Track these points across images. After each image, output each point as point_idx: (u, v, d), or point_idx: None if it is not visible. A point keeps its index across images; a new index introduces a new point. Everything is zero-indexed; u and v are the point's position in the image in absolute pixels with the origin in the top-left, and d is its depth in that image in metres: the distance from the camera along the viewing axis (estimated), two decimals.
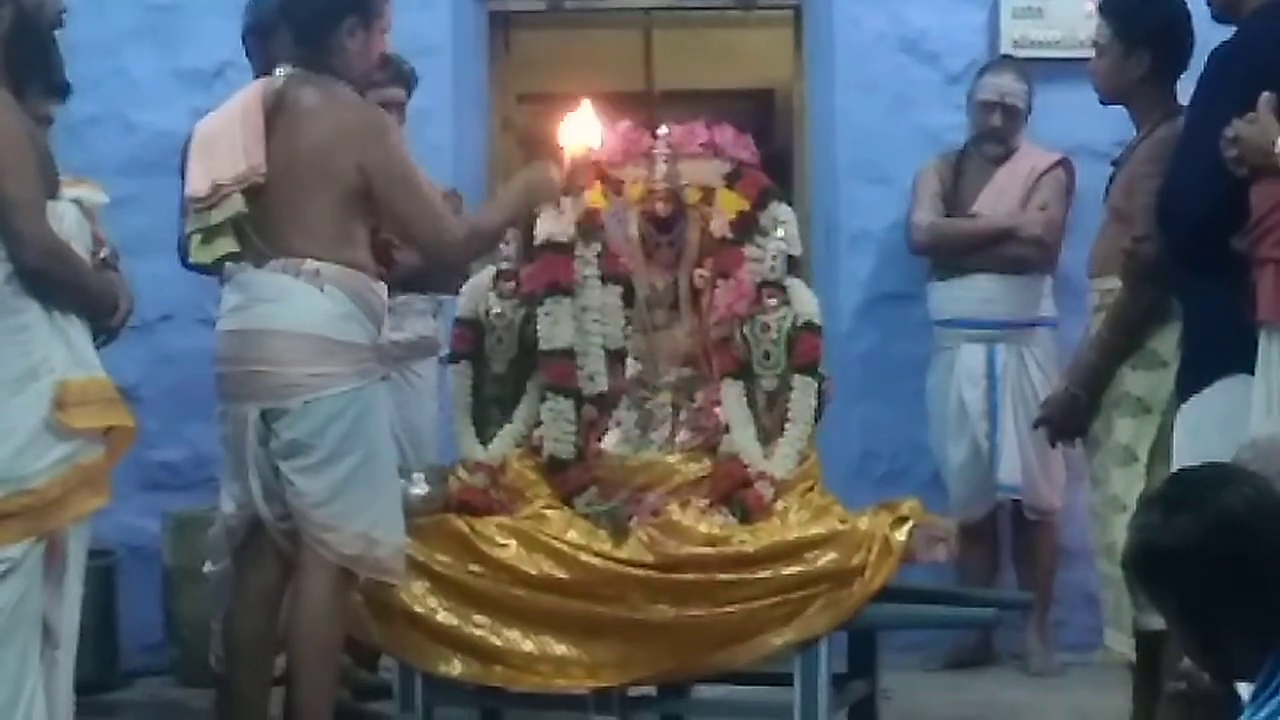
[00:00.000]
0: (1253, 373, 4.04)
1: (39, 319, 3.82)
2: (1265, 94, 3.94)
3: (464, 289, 5.28)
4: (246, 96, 4.59)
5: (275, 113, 4.52)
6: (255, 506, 4.54)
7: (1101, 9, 4.84)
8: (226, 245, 4.49)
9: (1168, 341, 4.56)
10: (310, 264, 4.45)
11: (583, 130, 4.89)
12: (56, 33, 4.34)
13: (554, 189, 4.85)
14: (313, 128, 4.50)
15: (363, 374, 4.50)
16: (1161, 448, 4.50)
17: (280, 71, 4.59)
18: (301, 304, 4.45)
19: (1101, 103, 4.94)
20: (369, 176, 4.50)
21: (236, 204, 4.45)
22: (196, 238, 4.53)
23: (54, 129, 4.50)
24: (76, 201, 4.05)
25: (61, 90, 4.40)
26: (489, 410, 5.22)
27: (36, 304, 3.82)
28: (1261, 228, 3.94)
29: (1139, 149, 4.72)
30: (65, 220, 3.95)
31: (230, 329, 4.55)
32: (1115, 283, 4.65)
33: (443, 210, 4.65)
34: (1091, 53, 4.90)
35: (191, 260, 4.65)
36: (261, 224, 4.49)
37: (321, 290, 4.44)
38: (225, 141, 4.51)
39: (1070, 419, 4.82)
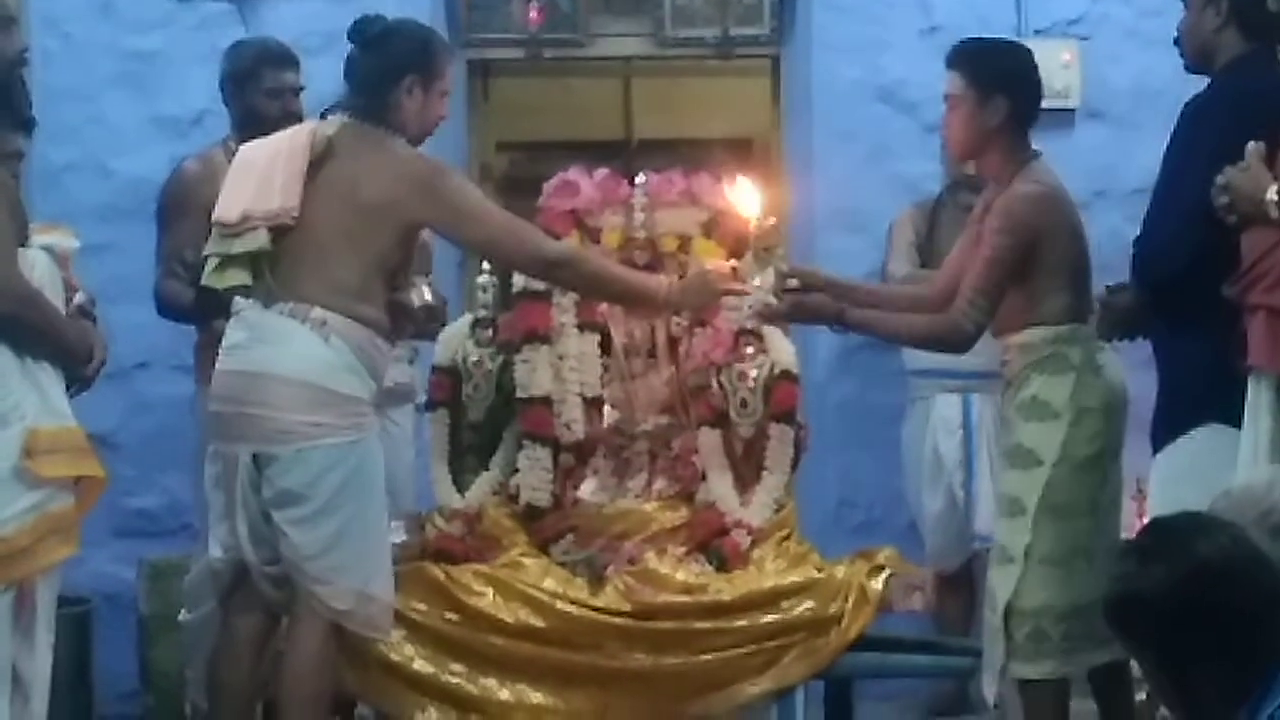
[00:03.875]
0: (1228, 422, 4.04)
1: (10, 365, 3.81)
2: (1253, 144, 3.92)
3: (441, 337, 5.27)
4: (295, 136, 4.53)
5: (322, 159, 4.47)
6: (241, 550, 4.51)
7: (951, 62, 4.67)
8: (239, 277, 4.44)
9: (1059, 393, 4.50)
10: (319, 312, 4.38)
11: (745, 199, 4.91)
12: (22, 72, 4.33)
13: (713, 297, 4.91)
14: (368, 183, 4.45)
15: (359, 427, 4.44)
16: (1048, 500, 4.46)
17: (334, 119, 4.57)
18: (303, 350, 4.38)
19: (959, 159, 4.91)
20: (437, 227, 4.65)
21: (261, 239, 4.40)
22: (213, 261, 4.47)
23: (30, 176, 4.49)
24: (47, 249, 4.03)
25: (29, 125, 4.38)
26: (466, 458, 5.22)
27: (8, 350, 3.81)
28: (1252, 275, 3.93)
29: (997, 203, 4.58)
30: (36, 268, 3.93)
31: (228, 369, 4.47)
32: (1017, 339, 4.57)
33: (524, 231, 4.65)
34: (1066, 103, 4.89)
35: (202, 283, 4.58)
36: (281, 265, 4.44)
37: (326, 340, 4.37)
38: (264, 175, 4.46)
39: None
